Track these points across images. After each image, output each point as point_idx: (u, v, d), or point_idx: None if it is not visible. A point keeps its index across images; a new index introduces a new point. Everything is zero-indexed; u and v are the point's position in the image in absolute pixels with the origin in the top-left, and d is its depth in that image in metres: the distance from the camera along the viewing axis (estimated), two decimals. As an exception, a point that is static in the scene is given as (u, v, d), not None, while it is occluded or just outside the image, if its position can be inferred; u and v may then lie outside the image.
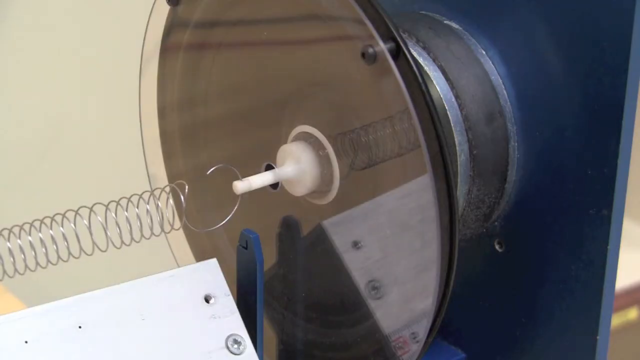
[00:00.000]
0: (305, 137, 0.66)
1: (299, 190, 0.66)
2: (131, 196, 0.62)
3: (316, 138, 0.66)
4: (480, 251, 0.72)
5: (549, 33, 0.65)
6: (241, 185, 0.65)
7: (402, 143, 0.61)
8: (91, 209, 0.61)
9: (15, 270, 0.59)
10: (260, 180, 0.65)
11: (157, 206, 0.63)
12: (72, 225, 0.60)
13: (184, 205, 0.64)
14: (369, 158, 0.63)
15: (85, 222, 0.61)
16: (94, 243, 0.61)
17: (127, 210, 0.62)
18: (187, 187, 0.64)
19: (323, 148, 0.65)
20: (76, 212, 0.61)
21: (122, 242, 0.62)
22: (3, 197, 1.29)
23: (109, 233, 0.61)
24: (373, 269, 0.66)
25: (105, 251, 0.62)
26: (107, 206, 0.61)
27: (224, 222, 0.66)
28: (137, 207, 0.62)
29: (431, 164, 0.59)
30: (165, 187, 0.65)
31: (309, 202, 0.67)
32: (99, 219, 0.61)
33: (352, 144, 0.64)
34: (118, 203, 0.62)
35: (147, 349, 0.60)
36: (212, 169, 0.66)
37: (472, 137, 0.67)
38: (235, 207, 0.65)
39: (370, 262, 0.67)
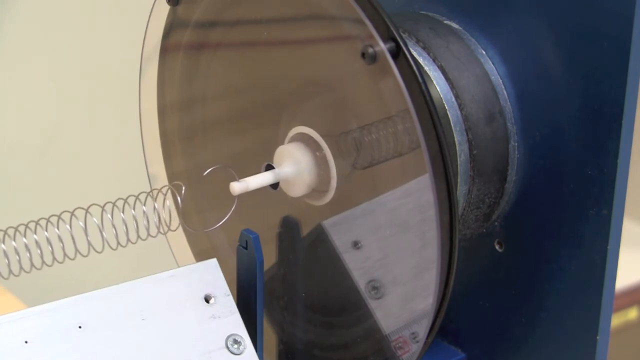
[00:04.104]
0: (303, 138, 0.66)
1: (297, 191, 0.66)
2: (127, 197, 0.62)
3: (313, 139, 0.65)
4: (480, 251, 0.72)
5: (549, 33, 0.65)
6: (238, 186, 0.65)
7: (402, 143, 0.61)
8: (87, 210, 0.61)
9: (10, 271, 0.59)
10: (258, 181, 0.65)
11: (154, 207, 0.63)
12: (68, 226, 0.60)
13: (180, 206, 0.64)
14: (371, 157, 0.63)
15: (81, 223, 0.61)
16: (89, 244, 0.61)
17: (123, 212, 0.62)
18: (184, 188, 0.64)
19: (320, 149, 0.65)
20: (72, 214, 0.60)
21: (118, 243, 0.62)
22: (3, 197, 1.29)
23: (105, 234, 0.61)
24: (373, 269, 0.66)
25: (101, 252, 0.62)
26: (103, 207, 0.61)
27: (220, 223, 0.66)
28: (134, 209, 0.62)
29: (431, 164, 0.59)
30: (162, 188, 0.65)
31: (308, 203, 0.67)
32: (95, 220, 0.61)
33: (354, 144, 0.64)
34: (114, 204, 0.62)
35: (147, 349, 0.60)
36: (208, 170, 0.66)
37: (472, 137, 0.67)
38: (233, 208, 0.65)
39: (370, 262, 0.67)
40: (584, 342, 0.68)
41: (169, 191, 0.64)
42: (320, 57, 0.66)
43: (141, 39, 0.75)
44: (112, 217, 0.61)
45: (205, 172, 0.66)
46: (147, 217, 0.63)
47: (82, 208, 0.61)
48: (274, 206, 0.70)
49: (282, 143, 0.67)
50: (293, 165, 0.66)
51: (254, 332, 0.64)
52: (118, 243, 0.62)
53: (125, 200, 0.62)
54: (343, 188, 0.65)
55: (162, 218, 0.64)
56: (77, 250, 0.61)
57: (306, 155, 0.65)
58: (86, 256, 0.61)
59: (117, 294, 0.61)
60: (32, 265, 0.60)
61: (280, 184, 0.67)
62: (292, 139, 0.67)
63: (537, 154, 0.67)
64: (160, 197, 0.64)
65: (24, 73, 1.28)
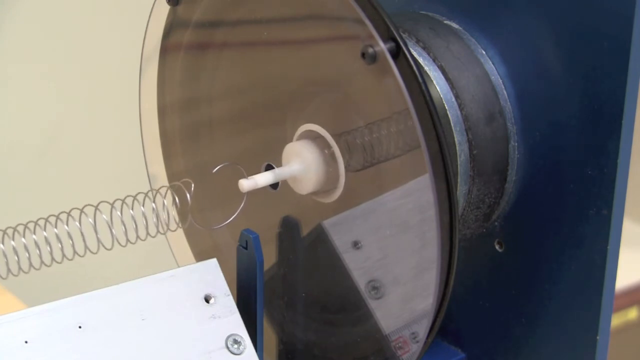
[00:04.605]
0: (311, 136, 0.66)
1: (305, 188, 0.66)
2: (137, 194, 0.62)
3: (321, 136, 0.65)
4: (480, 251, 0.72)
5: (549, 33, 0.65)
6: (247, 184, 0.65)
7: (402, 143, 0.61)
8: (96, 207, 0.61)
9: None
10: (266, 178, 0.65)
11: (163, 204, 0.63)
12: (77, 223, 0.60)
13: (189, 203, 0.64)
14: (364, 159, 0.63)
15: (91, 220, 0.61)
16: (98, 241, 0.61)
17: (132, 209, 0.62)
18: (193, 185, 0.64)
19: (329, 146, 0.65)
20: (81, 211, 0.61)
21: (128, 240, 0.62)
22: (3, 197, 1.29)
23: (114, 231, 0.61)
24: (373, 269, 0.66)
25: (110, 249, 0.62)
26: (112, 204, 0.61)
27: (229, 220, 0.66)
28: (143, 206, 0.62)
29: (431, 164, 0.59)
30: (172, 185, 0.65)
31: (311, 202, 0.67)
32: (104, 217, 0.61)
33: (347, 146, 0.64)
34: (124, 201, 0.62)
35: (147, 349, 0.60)
36: (218, 167, 0.66)
37: (472, 137, 0.67)
38: (241, 206, 0.65)
39: (370, 262, 0.67)
40: (584, 342, 0.68)
41: (177, 189, 0.64)
42: (321, 57, 0.66)
43: (141, 39, 0.75)
44: (121, 214, 0.61)
45: (215, 169, 0.66)
46: (157, 215, 0.63)
47: (92, 205, 0.61)
48: (274, 206, 0.70)
49: (287, 142, 0.67)
50: (301, 163, 0.65)
51: (254, 332, 0.64)
52: (127, 240, 0.62)
53: (135, 198, 0.62)
54: (352, 185, 0.65)
55: (171, 215, 0.64)
56: (86, 247, 0.61)
57: (315, 152, 0.65)
58: (95, 253, 0.61)
59: (117, 294, 0.61)
60: (42, 262, 0.60)
61: (288, 181, 0.67)
62: (300, 137, 0.67)
63: (537, 154, 0.67)
64: (169, 194, 0.64)
65: (24, 73, 1.28)
